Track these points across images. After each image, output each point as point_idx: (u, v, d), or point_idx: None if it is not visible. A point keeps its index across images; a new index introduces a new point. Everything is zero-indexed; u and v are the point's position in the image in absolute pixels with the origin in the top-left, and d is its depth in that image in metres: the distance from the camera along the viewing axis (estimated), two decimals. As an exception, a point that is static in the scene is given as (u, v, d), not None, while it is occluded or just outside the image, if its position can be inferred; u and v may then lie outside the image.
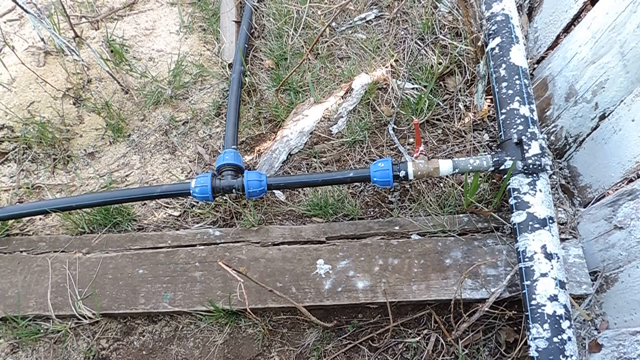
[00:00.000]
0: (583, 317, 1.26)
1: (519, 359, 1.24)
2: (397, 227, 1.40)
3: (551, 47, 1.53)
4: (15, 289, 1.43)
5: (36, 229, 1.59)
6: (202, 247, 1.44)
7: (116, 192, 1.47)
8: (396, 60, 1.72)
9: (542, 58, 1.54)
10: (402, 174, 1.28)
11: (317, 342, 1.36)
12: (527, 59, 1.57)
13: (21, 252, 1.50)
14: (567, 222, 1.34)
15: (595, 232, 1.28)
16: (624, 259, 1.18)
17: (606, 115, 1.25)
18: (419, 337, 1.33)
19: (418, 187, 1.49)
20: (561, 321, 1.05)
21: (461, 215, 1.39)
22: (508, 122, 1.26)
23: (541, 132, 1.26)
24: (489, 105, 1.55)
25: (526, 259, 1.13)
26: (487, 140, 1.53)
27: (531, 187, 1.18)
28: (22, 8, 1.60)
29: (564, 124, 1.40)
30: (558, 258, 1.12)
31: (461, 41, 1.64)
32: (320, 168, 1.58)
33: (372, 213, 1.49)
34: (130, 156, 1.72)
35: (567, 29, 1.46)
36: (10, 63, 1.89)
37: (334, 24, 1.87)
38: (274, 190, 1.55)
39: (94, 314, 1.39)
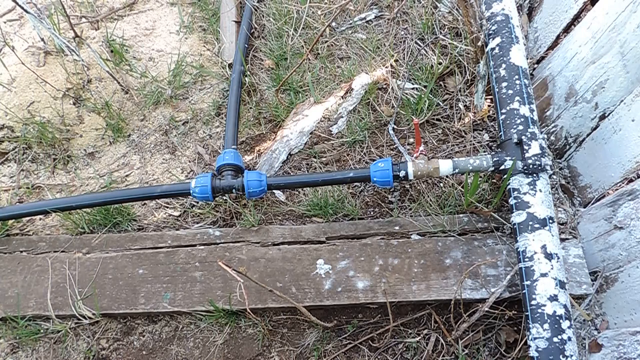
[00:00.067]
0: (583, 317, 1.26)
1: (519, 359, 1.24)
2: (397, 227, 1.40)
3: (551, 47, 1.53)
4: (15, 289, 1.43)
5: (36, 229, 1.59)
6: (202, 247, 1.44)
7: (116, 192, 1.47)
8: (396, 60, 1.72)
9: (542, 58, 1.54)
10: (402, 174, 1.28)
11: (317, 342, 1.36)
12: (527, 59, 1.57)
13: (21, 252, 1.50)
14: (567, 222, 1.34)
15: (595, 232, 1.28)
16: (624, 259, 1.18)
17: (606, 115, 1.25)
18: (419, 337, 1.33)
19: (418, 187, 1.49)
20: (561, 321, 1.05)
21: (461, 215, 1.39)
22: (508, 122, 1.26)
23: (541, 132, 1.26)
24: (489, 105, 1.55)
25: (526, 259, 1.13)
26: (487, 140, 1.53)
27: (531, 187, 1.18)
28: (22, 8, 1.60)
29: (564, 124, 1.40)
30: (558, 258, 1.12)
31: (461, 41, 1.64)
32: (320, 168, 1.58)
33: (372, 213, 1.49)
34: (130, 156, 1.73)
35: (567, 29, 1.46)
36: (10, 63, 1.89)
37: (334, 24, 1.87)
38: (274, 190, 1.55)
39: (94, 314, 1.39)
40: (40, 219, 1.61)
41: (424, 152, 1.31)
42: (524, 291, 1.12)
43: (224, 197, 1.53)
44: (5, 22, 2.06)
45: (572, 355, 1.02)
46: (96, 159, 1.74)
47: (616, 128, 1.21)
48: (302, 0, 1.89)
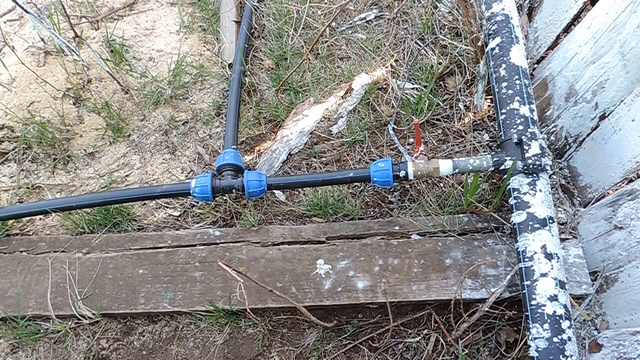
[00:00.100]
0: (583, 317, 1.26)
1: (519, 359, 1.24)
2: (397, 227, 1.40)
3: (551, 47, 1.53)
4: (15, 289, 1.43)
5: (36, 229, 1.59)
6: (202, 247, 1.44)
7: (116, 192, 1.47)
8: (396, 60, 1.72)
9: (542, 58, 1.54)
10: (402, 174, 1.28)
11: (317, 342, 1.36)
12: (527, 59, 1.57)
13: (21, 252, 1.50)
14: (567, 222, 1.34)
15: (595, 232, 1.28)
16: (624, 259, 1.18)
17: (606, 115, 1.25)
18: (419, 337, 1.33)
19: (418, 187, 1.49)
20: (561, 321, 1.05)
21: (461, 215, 1.39)
22: (508, 122, 1.26)
23: (541, 132, 1.26)
24: (489, 105, 1.55)
25: (526, 259, 1.13)
26: (487, 140, 1.53)
27: (531, 187, 1.18)
28: (22, 8, 1.60)
29: (564, 124, 1.40)
30: (558, 258, 1.12)
31: (461, 41, 1.64)
32: (320, 168, 1.58)
33: (372, 213, 1.49)
34: (130, 156, 1.73)
35: (567, 29, 1.46)
36: (10, 63, 1.89)
37: (334, 24, 1.87)
38: (274, 190, 1.55)
39: (94, 314, 1.39)
40: (40, 219, 1.61)
41: (424, 152, 1.31)
42: (524, 291, 1.12)
43: (224, 197, 1.54)
44: (5, 22, 2.06)
45: (572, 355, 1.02)
46: (96, 159, 1.74)
47: (616, 128, 1.21)
48: (302, 0, 1.89)
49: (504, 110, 1.29)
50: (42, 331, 1.42)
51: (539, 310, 1.07)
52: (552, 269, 1.10)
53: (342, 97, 1.69)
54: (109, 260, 1.45)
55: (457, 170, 1.26)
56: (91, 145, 1.75)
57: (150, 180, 1.66)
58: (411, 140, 1.58)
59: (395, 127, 1.61)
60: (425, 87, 1.62)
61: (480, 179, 1.36)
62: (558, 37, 1.49)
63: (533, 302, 1.08)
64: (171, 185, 1.45)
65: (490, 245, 1.33)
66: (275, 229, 1.45)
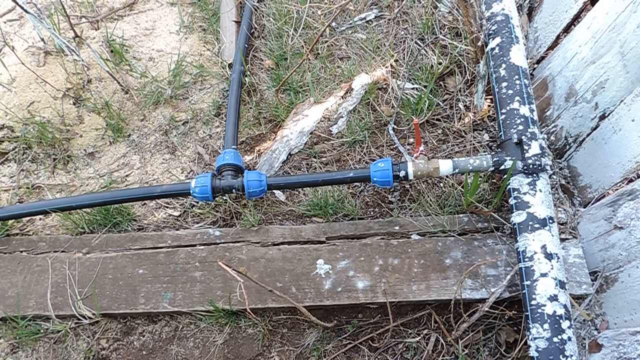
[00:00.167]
0: (583, 317, 1.26)
1: (519, 359, 1.24)
2: (397, 227, 1.40)
3: (551, 47, 1.53)
4: (15, 289, 1.43)
5: (36, 229, 1.59)
6: (202, 247, 1.44)
7: (116, 192, 1.47)
8: (396, 60, 1.72)
9: (542, 58, 1.54)
10: (402, 174, 1.28)
11: (317, 342, 1.36)
12: (527, 59, 1.57)
13: (21, 252, 1.50)
14: (567, 222, 1.34)
15: (595, 232, 1.28)
16: (624, 259, 1.18)
17: (606, 115, 1.25)
18: (419, 337, 1.33)
19: (418, 187, 1.49)
20: (561, 321, 1.05)
21: (461, 215, 1.39)
22: (508, 122, 1.26)
23: (541, 132, 1.26)
24: (489, 105, 1.55)
25: (526, 259, 1.13)
26: (487, 140, 1.53)
27: (531, 187, 1.18)
28: (22, 8, 1.60)
29: (564, 124, 1.40)
30: (558, 258, 1.12)
31: (461, 41, 1.64)
32: (320, 168, 1.58)
33: (372, 213, 1.49)
34: (130, 156, 1.73)
35: (567, 29, 1.46)
36: (10, 63, 1.89)
37: (334, 24, 1.87)
38: (274, 190, 1.55)
39: (94, 314, 1.39)
40: (40, 219, 1.61)
41: (424, 152, 1.31)
42: (524, 291, 1.12)
43: (224, 197, 1.53)
44: (5, 22, 2.06)
45: (572, 355, 1.02)
46: (96, 159, 1.74)
47: (616, 128, 1.21)
48: (302, 0, 1.89)
49: (504, 110, 1.29)
50: (42, 331, 1.42)
51: (539, 310, 1.07)
52: (552, 269, 1.10)
53: (342, 97, 1.69)
54: (109, 260, 1.45)
55: (457, 170, 1.26)
56: (91, 145, 1.75)
57: (150, 180, 1.66)
58: (411, 140, 1.58)
59: (395, 127, 1.61)
60: (425, 87, 1.62)
61: (480, 179, 1.36)
62: (558, 37, 1.49)
63: (533, 302, 1.08)
64: (171, 185, 1.45)
65: (490, 245, 1.33)
66: (275, 229, 1.45)
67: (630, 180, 1.22)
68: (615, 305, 1.22)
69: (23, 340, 1.42)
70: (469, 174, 1.37)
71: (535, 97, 1.46)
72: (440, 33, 1.71)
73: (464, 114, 1.58)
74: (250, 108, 1.75)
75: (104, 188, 1.65)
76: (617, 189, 1.21)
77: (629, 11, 1.14)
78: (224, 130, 1.72)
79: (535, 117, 1.26)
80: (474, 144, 1.52)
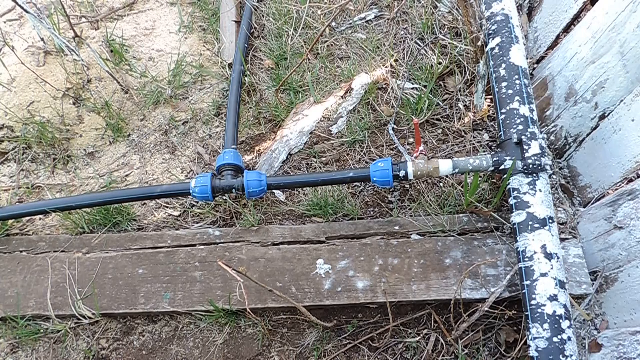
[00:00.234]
0: (583, 317, 1.26)
1: (519, 359, 1.24)
2: (397, 227, 1.40)
3: (551, 47, 1.53)
4: (15, 289, 1.43)
5: (36, 229, 1.59)
6: (202, 247, 1.44)
7: (116, 192, 1.47)
8: (396, 60, 1.72)
9: (542, 58, 1.54)
10: (402, 174, 1.28)
11: (317, 342, 1.36)
12: (527, 59, 1.57)
13: (21, 252, 1.50)
14: (567, 222, 1.34)
15: (595, 232, 1.28)
16: (624, 259, 1.18)
17: (606, 115, 1.25)
18: (419, 337, 1.33)
19: (418, 187, 1.49)
20: (561, 321, 1.05)
21: (461, 215, 1.39)
22: (508, 122, 1.26)
23: (541, 132, 1.26)
24: (489, 105, 1.55)
25: (526, 259, 1.13)
26: (487, 140, 1.53)
27: (531, 187, 1.18)
28: (22, 8, 1.60)
29: (564, 124, 1.40)
30: (558, 258, 1.12)
31: (461, 41, 1.64)
32: (320, 168, 1.58)
33: (372, 213, 1.49)
34: (130, 156, 1.73)
35: (567, 29, 1.46)
36: (10, 63, 1.89)
37: (334, 24, 1.87)
38: (274, 190, 1.55)
39: (94, 314, 1.39)
40: (40, 219, 1.61)
41: (424, 152, 1.31)
42: (524, 291, 1.12)
43: (224, 197, 1.53)
44: (5, 22, 2.06)
45: (572, 355, 1.02)
46: (96, 159, 1.74)
47: (616, 128, 1.21)
48: (302, 0, 1.89)
49: (504, 110, 1.29)
50: (42, 331, 1.42)
51: (539, 310, 1.07)
52: (552, 269, 1.10)
53: (342, 97, 1.69)
54: (109, 260, 1.45)
55: (457, 170, 1.26)
56: (91, 145, 1.75)
57: (150, 180, 1.66)
58: (411, 140, 1.58)
59: (395, 127, 1.61)
60: (425, 87, 1.62)
61: (480, 179, 1.36)
62: (558, 37, 1.49)
63: (533, 302, 1.08)
64: (171, 185, 1.45)
65: (490, 245, 1.33)
66: (275, 229, 1.45)
67: (630, 180, 1.22)
68: (615, 305, 1.22)
69: (23, 340, 1.42)
70: (469, 174, 1.37)
71: (535, 97, 1.46)
72: (440, 33, 1.71)
73: (464, 114, 1.58)
74: (250, 108, 1.75)
75: (104, 188, 1.65)
76: (617, 189, 1.21)
77: (629, 11, 1.14)
78: (224, 130, 1.72)
79: (535, 117, 1.26)
80: (474, 144, 1.52)
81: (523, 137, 1.22)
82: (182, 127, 1.76)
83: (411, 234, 1.39)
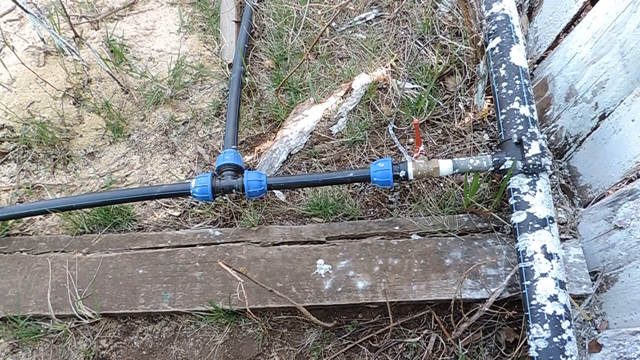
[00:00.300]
0: (583, 317, 1.26)
1: (519, 359, 1.24)
2: (397, 227, 1.40)
3: (551, 47, 1.53)
4: (15, 289, 1.43)
5: (36, 229, 1.59)
6: (202, 247, 1.44)
7: (116, 192, 1.47)
8: (396, 60, 1.72)
9: (542, 58, 1.54)
10: (402, 174, 1.28)
11: (317, 342, 1.36)
12: (527, 59, 1.57)
13: (21, 252, 1.50)
14: (567, 222, 1.34)
15: (595, 232, 1.28)
16: (624, 259, 1.18)
17: (606, 115, 1.25)
18: (419, 337, 1.33)
19: (418, 187, 1.49)
20: (561, 321, 1.05)
21: (461, 215, 1.39)
22: (508, 122, 1.26)
23: (541, 132, 1.26)
24: (489, 105, 1.55)
25: (526, 259, 1.13)
26: (487, 140, 1.53)
27: (531, 187, 1.18)
28: (22, 8, 1.60)
29: (564, 124, 1.40)
30: (558, 258, 1.12)
31: (461, 41, 1.64)
32: (320, 168, 1.58)
33: (372, 213, 1.49)
34: (130, 156, 1.73)
35: (567, 29, 1.46)
36: (10, 63, 1.89)
37: (334, 24, 1.87)
38: (274, 190, 1.55)
39: (94, 314, 1.39)
40: (40, 219, 1.61)
41: (424, 152, 1.31)
42: (524, 291, 1.12)
43: (224, 197, 1.53)
44: (5, 22, 2.06)
45: (572, 355, 1.02)
46: (96, 159, 1.74)
47: (616, 128, 1.21)
48: (302, 0, 1.89)
49: (504, 110, 1.29)
50: (42, 331, 1.42)
51: (539, 310, 1.07)
52: (552, 269, 1.10)
53: (342, 97, 1.69)
54: (109, 260, 1.45)
55: (457, 170, 1.26)
56: (91, 145, 1.75)
57: (150, 180, 1.66)
58: (411, 140, 1.58)
59: (395, 127, 1.61)
60: (425, 87, 1.62)
61: (480, 179, 1.36)
62: (558, 37, 1.49)
63: (533, 302, 1.08)
64: (171, 185, 1.45)
65: (490, 245, 1.33)
66: (275, 229, 1.45)
67: (630, 180, 1.22)
68: (615, 305, 1.22)
69: (23, 340, 1.42)
70: (469, 174, 1.37)
71: (535, 97, 1.46)
72: (440, 33, 1.71)
73: (464, 114, 1.58)
74: (250, 108, 1.75)
75: (104, 188, 1.65)
76: (617, 189, 1.21)
77: (629, 11, 1.14)
78: (224, 130, 1.72)
79: (535, 117, 1.26)
80: (474, 144, 1.52)
81: (523, 137, 1.22)
82: (182, 127, 1.76)
83: (411, 234, 1.39)
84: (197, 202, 1.58)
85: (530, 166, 1.18)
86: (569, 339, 1.03)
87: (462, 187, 1.43)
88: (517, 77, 1.30)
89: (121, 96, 1.84)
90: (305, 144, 1.64)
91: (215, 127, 1.75)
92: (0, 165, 1.74)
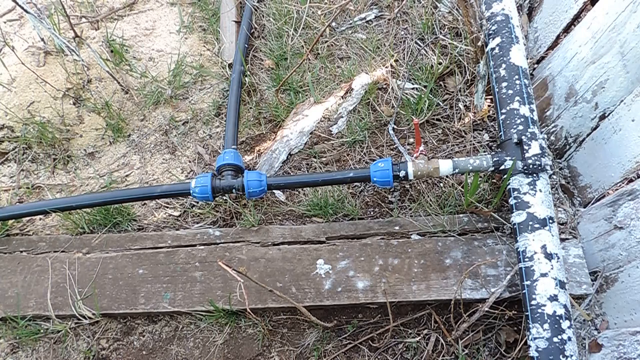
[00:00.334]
0: (583, 317, 1.26)
1: (519, 359, 1.24)
2: (397, 227, 1.40)
3: (551, 47, 1.53)
4: (15, 289, 1.43)
5: (36, 229, 1.59)
6: (202, 247, 1.44)
7: (116, 192, 1.47)
8: (396, 60, 1.72)
9: (542, 58, 1.54)
10: (402, 174, 1.28)
11: (317, 342, 1.36)
12: (527, 59, 1.57)
13: (21, 252, 1.50)
14: (567, 222, 1.34)
15: (595, 232, 1.28)
16: (624, 259, 1.18)
17: (606, 115, 1.25)
18: (419, 337, 1.33)
19: (418, 187, 1.49)
20: (561, 321, 1.05)
21: (461, 215, 1.39)
22: (508, 122, 1.26)
23: (541, 132, 1.26)
24: (489, 105, 1.55)
25: (526, 259, 1.13)
26: (487, 140, 1.53)
27: (531, 187, 1.18)
28: (22, 8, 1.60)
29: (564, 124, 1.40)
30: (558, 258, 1.12)
31: (461, 41, 1.64)
32: (320, 168, 1.58)
33: (372, 213, 1.49)
34: (130, 156, 1.73)
35: (567, 29, 1.46)
36: (10, 63, 1.89)
37: (334, 24, 1.87)
38: (274, 190, 1.55)
39: (94, 314, 1.39)
40: (40, 219, 1.61)
41: (424, 152, 1.31)
42: (524, 291, 1.12)
43: (224, 197, 1.53)
44: (5, 22, 2.06)
45: (572, 355, 1.02)
46: (96, 159, 1.74)
47: (616, 128, 1.21)
48: (302, 0, 1.89)
49: (504, 110, 1.29)
50: (42, 331, 1.42)
51: (539, 310, 1.07)
52: (552, 269, 1.10)
53: (342, 97, 1.69)
54: (109, 260, 1.45)
55: (457, 170, 1.26)
56: (91, 145, 1.75)
57: (150, 180, 1.66)
58: (411, 140, 1.58)
59: (395, 127, 1.61)
60: (425, 87, 1.62)
61: (480, 179, 1.36)
62: (558, 37, 1.49)
63: (533, 302, 1.08)
64: (171, 185, 1.45)
65: (490, 245, 1.33)
66: (275, 229, 1.45)
67: (630, 180, 1.22)
68: (615, 305, 1.22)
69: (23, 340, 1.42)
70: (469, 174, 1.37)
71: (535, 97, 1.46)
72: (440, 33, 1.71)
73: (464, 114, 1.58)
74: (250, 108, 1.75)
75: (104, 188, 1.65)
76: (617, 189, 1.21)
77: (629, 11, 1.14)
78: (224, 130, 1.72)
79: (535, 117, 1.26)
80: (474, 144, 1.52)
81: (523, 137, 1.22)
82: (182, 127, 1.76)
83: (411, 234, 1.39)
84: (197, 202, 1.58)
85: (530, 166, 1.18)
86: (569, 339, 1.03)
87: (462, 187, 1.43)
88: (517, 77, 1.30)
89: (121, 96, 1.84)
90: (305, 144, 1.64)
91: (215, 127, 1.75)
92: (0, 165, 1.74)
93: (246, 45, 1.84)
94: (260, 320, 1.37)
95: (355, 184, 1.53)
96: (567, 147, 1.42)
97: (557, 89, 1.42)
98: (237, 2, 1.98)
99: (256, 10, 1.97)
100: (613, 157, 1.23)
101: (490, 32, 1.40)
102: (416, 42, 1.74)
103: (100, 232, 1.53)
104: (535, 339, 1.05)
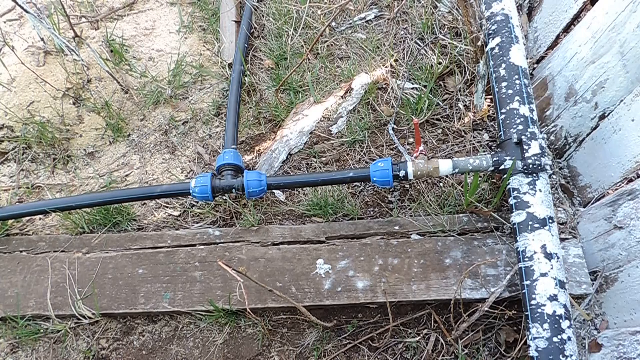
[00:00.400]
0: (583, 317, 1.26)
1: (519, 359, 1.24)
2: (397, 227, 1.40)
3: (551, 47, 1.53)
4: (15, 289, 1.43)
5: (36, 229, 1.59)
6: (202, 247, 1.44)
7: (116, 192, 1.47)
8: (396, 60, 1.72)
9: (542, 58, 1.54)
10: (402, 174, 1.28)
11: (317, 342, 1.36)
12: (527, 59, 1.57)
13: (21, 252, 1.50)
14: (567, 222, 1.34)
15: (595, 232, 1.28)
16: (624, 259, 1.18)
17: (606, 115, 1.25)
18: (419, 337, 1.33)
19: (418, 187, 1.49)
20: (561, 321, 1.05)
21: (461, 215, 1.39)
22: (508, 122, 1.26)
23: (541, 132, 1.26)
24: (489, 105, 1.55)
25: (526, 259, 1.13)
26: (487, 140, 1.53)
27: (531, 187, 1.18)
28: (22, 8, 1.60)
29: (564, 124, 1.40)
30: (558, 258, 1.12)
31: (461, 41, 1.64)
32: (320, 168, 1.58)
33: (372, 213, 1.49)
34: (130, 156, 1.73)
35: (567, 29, 1.46)
36: (10, 63, 1.89)
37: (334, 24, 1.87)
38: (274, 190, 1.55)
39: (94, 314, 1.39)
40: (40, 219, 1.61)
41: (424, 152, 1.31)
42: (524, 291, 1.12)
43: (224, 197, 1.53)
44: (5, 22, 2.06)
45: (572, 355, 1.02)
46: (96, 159, 1.74)
47: (616, 128, 1.21)
48: (302, 0, 1.89)
49: (504, 110, 1.29)
50: (42, 331, 1.42)
51: (539, 310, 1.07)
52: (552, 269, 1.10)
53: (342, 97, 1.69)
54: (109, 260, 1.45)
55: (457, 170, 1.26)
56: (91, 145, 1.75)
57: (150, 180, 1.66)
58: (411, 140, 1.58)
59: (395, 127, 1.61)
60: (425, 87, 1.62)
61: (480, 179, 1.36)
62: (558, 37, 1.49)
63: (533, 302, 1.08)
64: (171, 185, 1.45)
65: (490, 245, 1.33)
66: (275, 229, 1.45)
67: (630, 180, 1.22)
68: (615, 305, 1.22)
69: (23, 340, 1.42)
70: (469, 174, 1.37)
71: (535, 97, 1.46)
72: (440, 33, 1.71)
73: (464, 114, 1.58)
74: (250, 108, 1.75)
75: (104, 188, 1.65)
76: (617, 189, 1.21)
77: (629, 11, 1.14)
78: (224, 130, 1.72)
79: (535, 117, 1.26)
80: (474, 144, 1.52)
81: (523, 137, 1.22)
82: (182, 127, 1.76)
83: (411, 234, 1.39)
84: (197, 202, 1.58)
85: (530, 166, 1.18)
86: (569, 339, 1.03)
87: (462, 187, 1.43)
88: (517, 77, 1.30)
89: (121, 96, 1.84)
90: (305, 144, 1.64)
91: (215, 127, 1.75)
92: (0, 165, 1.74)
93: (246, 45, 1.84)
94: (260, 320, 1.37)
95: (355, 184, 1.53)
96: (567, 147, 1.42)
97: (557, 89, 1.42)
98: (237, 2, 1.98)
99: (256, 10, 1.97)
100: (613, 157, 1.23)
101: (490, 32, 1.40)
102: (416, 42, 1.74)
103: (100, 232, 1.53)
104: (535, 339, 1.05)
